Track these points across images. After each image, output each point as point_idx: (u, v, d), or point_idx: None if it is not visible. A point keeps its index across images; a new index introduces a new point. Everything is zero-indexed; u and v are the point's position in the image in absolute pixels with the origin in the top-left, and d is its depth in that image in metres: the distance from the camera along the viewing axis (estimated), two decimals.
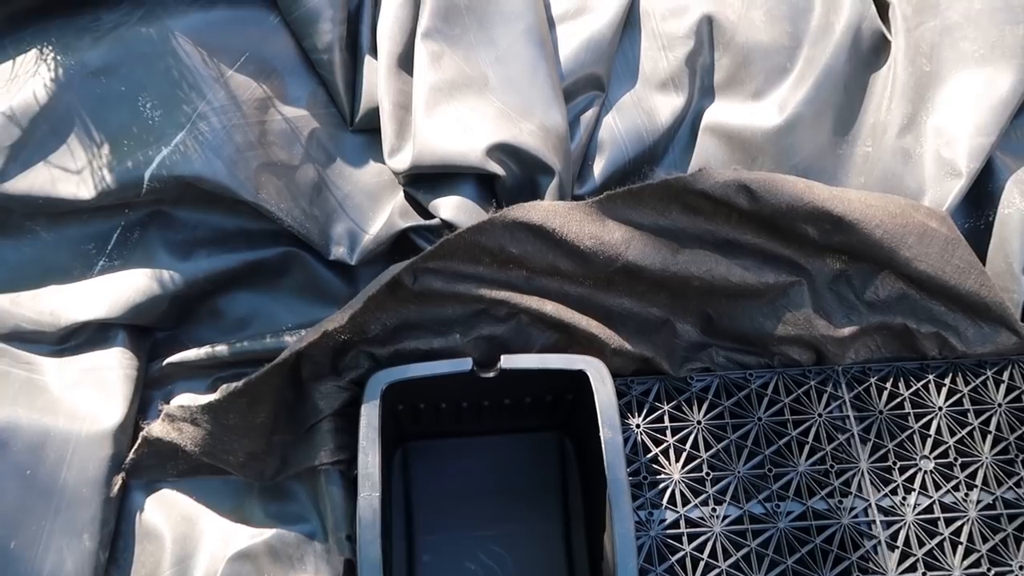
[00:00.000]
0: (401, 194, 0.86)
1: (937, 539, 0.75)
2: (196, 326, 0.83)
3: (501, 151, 0.82)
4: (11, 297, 0.79)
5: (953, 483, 0.78)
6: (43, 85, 0.80)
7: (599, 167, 0.88)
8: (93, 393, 0.76)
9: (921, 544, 0.75)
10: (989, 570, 0.74)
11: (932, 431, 0.80)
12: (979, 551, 0.75)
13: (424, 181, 0.85)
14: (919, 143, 0.89)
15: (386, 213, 0.85)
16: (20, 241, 0.81)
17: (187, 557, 0.73)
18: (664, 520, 0.76)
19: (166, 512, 0.75)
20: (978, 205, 0.89)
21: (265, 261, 0.83)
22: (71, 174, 0.78)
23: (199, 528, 0.74)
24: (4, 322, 0.78)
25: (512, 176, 0.83)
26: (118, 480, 0.74)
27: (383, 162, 0.87)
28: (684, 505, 0.77)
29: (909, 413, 0.81)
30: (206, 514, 0.75)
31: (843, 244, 0.80)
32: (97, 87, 0.80)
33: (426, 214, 0.84)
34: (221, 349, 0.79)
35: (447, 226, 0.81)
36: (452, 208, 0.81)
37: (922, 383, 0.83)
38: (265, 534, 0.74)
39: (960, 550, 0.75)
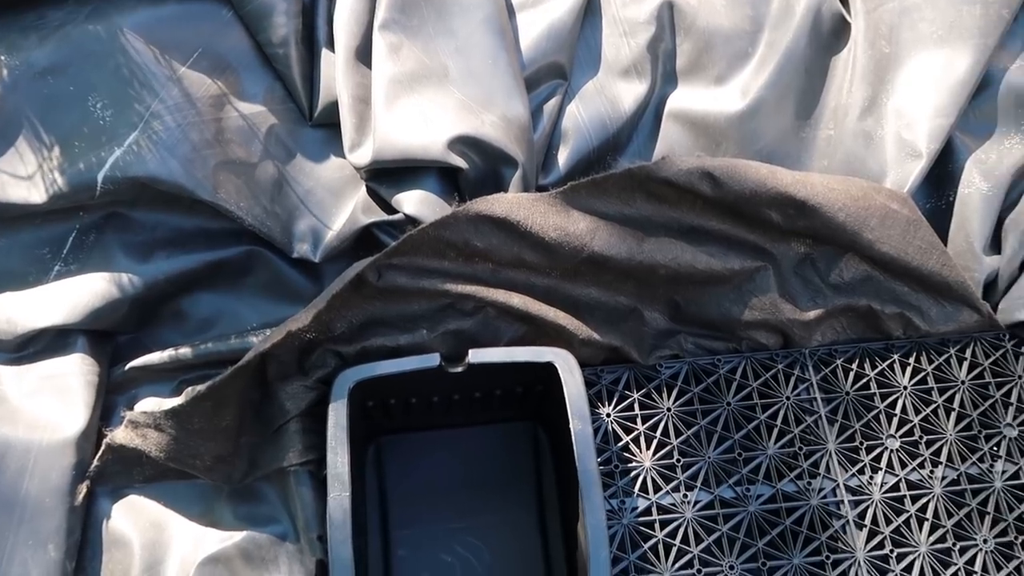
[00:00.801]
0: (363, 189, 0.85)
1: (904, 516, 0.77)
2: (159, 328, 0.82)
3: (463, 143, 0.81)
4: None
5: (918, 460, 0.79)
6: None
7: (563, 156, 0.88)
8: (53, 401, 0.74)
9: (888, 522, 0.76)
10: (954, 545, 0.76)
11: (897, 410, 0.81)
12: (945, 527, 0.76)
13: (386, 176, 0.84)
14: (880, 125, 0.90)
15: (349, 209, 0.84)
16: None
17: (157, 563, 0.72)
18: (636, 508, 0.76)
19: (134, 518, 0.74)
20: (939, 185, 0.90)
21: (227, 261, 0.82)
22: (21, 179, 0.76)
23: (168, 533, 0.73)
24: None
25: (475, 168, 0.82)
26: (82, 488, 0.73)
27: (344, 157, 0.85)
28: (655, 492, 0.77)
29: (875, 393, 0.82)
30: (175, 519, 0.74)
31: (807, 228, 0.80)
32: (45, 87, 0.78)
33: (389, 209, 0.83)
34: (185, 352, 0.78)
35: (411, 221, 0.80)
36: (415, 203, 0.80)
37: (887, 363, 0.84)
38: (236, 537, 0.73)
39: (926, 526, 0.76)
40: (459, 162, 0.81)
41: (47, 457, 0.72)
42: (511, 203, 0.76)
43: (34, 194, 0.77)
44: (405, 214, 0.80)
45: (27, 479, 0.71)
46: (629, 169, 0.78)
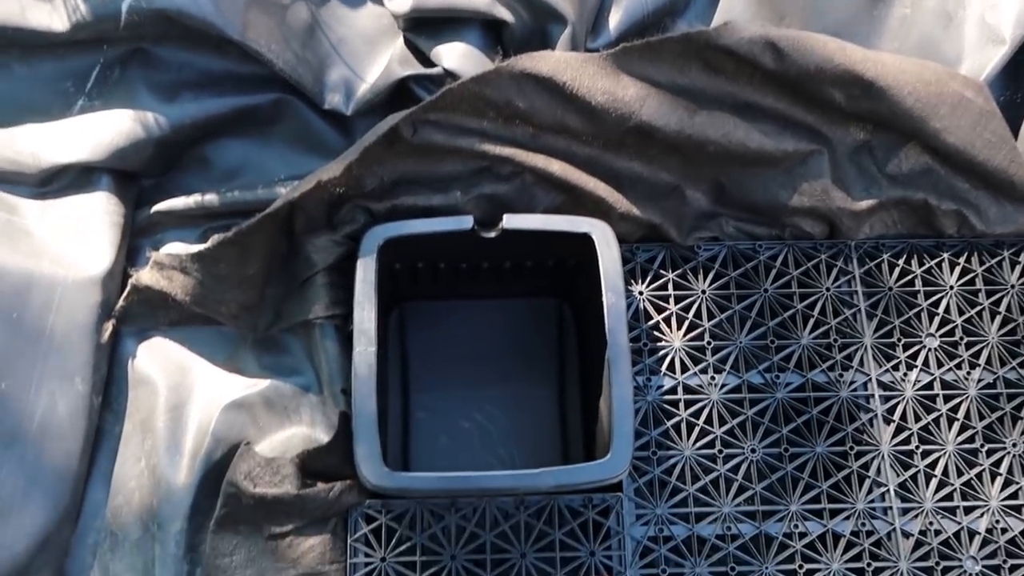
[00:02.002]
0: (400, 40, 0.81)
1: (934, 415, 0.75)
2: (184, 174, 0.80)
3: None
4: None
5: (956, 361, 0.77)
6: None
7: (615, 19, 0.82)
8: (78, 239, 0.73)
9: (918, 419, 0.75)
10: (982, 446, 0.75)
11: (940, 310, 0.79)
12: (975, 428, 0.75)
13: (426, 26, 0.79)
14: (962, 6, 0.83)
15: (384, 60, 0.79)
16: None
17: (181, 405, 0.73)
18: (662, 386, 0.75)
19: (159, 360, 0.74)
20: (1017, 77, 0.83)
21: (255, 107, 0.79)
22: (43, 3, 0.72)
23: (192, 377, 0.74)
24: None
25: (521, 23, 0.77)
26: (108, 327, 0.73)
27: (382, 4, 0.80)
28: (683, 372, 0.76)
29: (919, 291, 0.79)
30: (199, 363, 0.74)
31: (870, 112, 0.75)
32: None
33: (427, 62, 0.79)
34: (211, 198, 0.76)
35: (450, 75, 0.76)
36: (456, 56, 0.76)
37: (935, 261, 0.80)
38: (260, 385, 0.73)
39: (956, 426, 0.75)
40: (505, 15, 0.76)
41: (72, 294, 0.71)
42: (558, 62, 0.71)
43: (56, 21, 0.73)
44: (444, 68, 0.76)
45: (53, 314, 0.70)
46: (687, 34, 0.72)
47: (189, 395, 0.73)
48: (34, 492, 0.67)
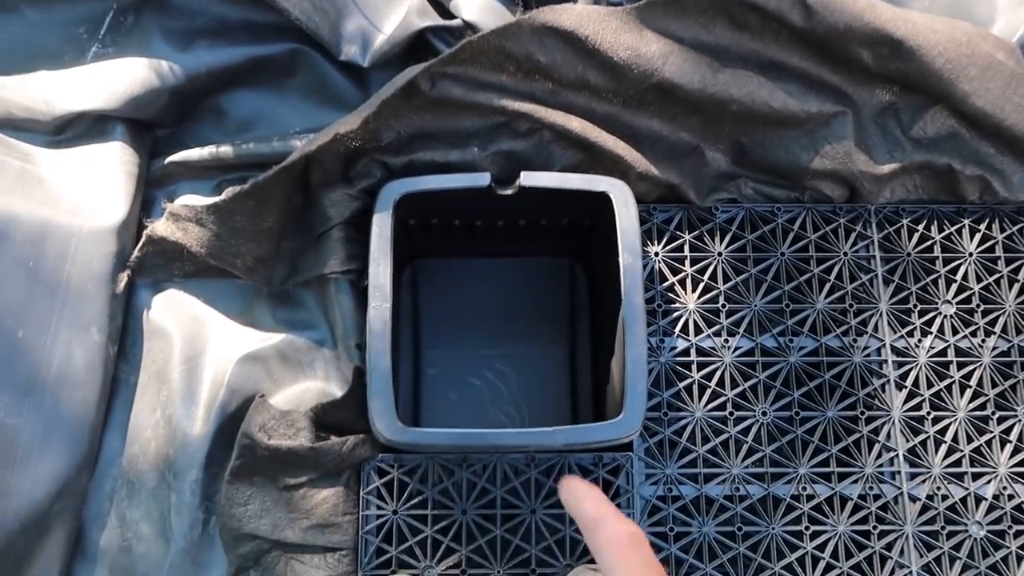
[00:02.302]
0: None
1: (947, 381, 0.75)
2: (198, 125, 0.78)
3: None
4: (0, 81, 0.74)
5: (971, 329, 0.77)
6: None
7: None
8: (93, 188, 0.73)
9: (930, 385, 0.75)
10: (993, 413, 0.75)
11: (958, 277, 0.78)
12: (987, 395, 0.75)
13: None
14: None
15: (402, 11, 0.77)
16: (5, 20, 0.74)
17: (196, 356, 0.73)
18: (675, 348, 0.75)
19: (174, 312, 0.74)
20: None
21: (271, 58, 0.77)
22: None
23: (207, 329, 0.74)
24: None
25: None
26: (123, 277, 0.73)
27: None
28: (697, 335, 0.76)
29: (938, 257, 0.79)
30: (214, 316, 0.74)
31: (898, 72, 0.73)
32: None
33: (446, 14, 0.77)
34: (226, 150, 0.75)
35: (469, 28, 0.74)
36: (476, 8, 0.74)
37: (956, 227, 0.80)
38: (274, 338, 0.74)
39: (968, 393, 0.75)
40: None
41: (88, 243, 0.71)
42: (581, 16, 0.70)
43: None
44: (464, 20, 0.74)
45: (69, 263, 0.70)
46: None
47: (204, 347, 0.73)
48: (52, 440, 0.67)
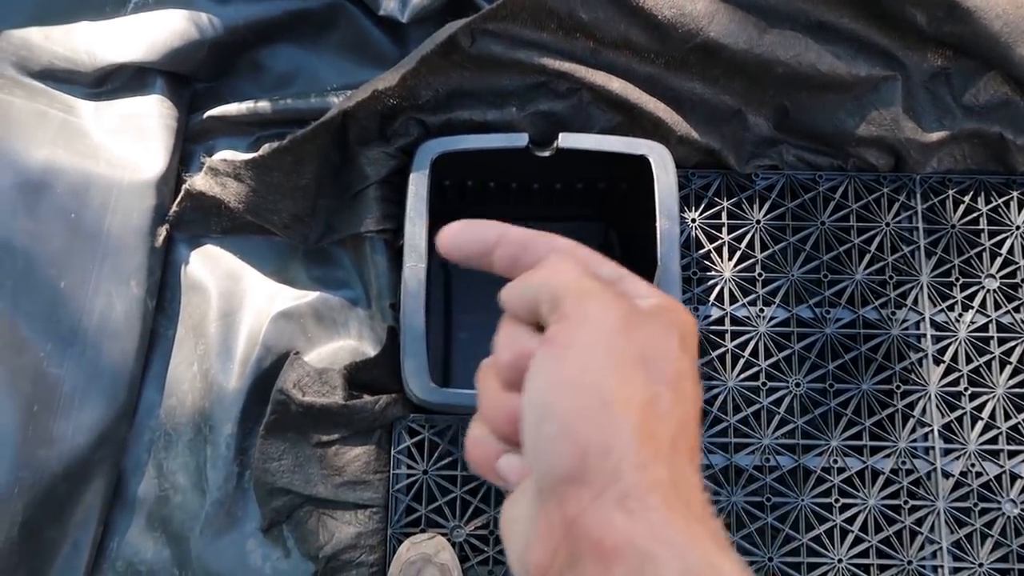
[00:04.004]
0: None
1: (987, 357, 0.74)
2: (237, 80, 0.78)
3: None
4: (43, 31, 0.74)
5: (1015, 304, 0.75)
6: None
7: None
8: (133, 141, 0.73)
9: (969, 361, 0.74)
10: None
11: (1004, 250, 0.76)
12: None
13: None
14: None
15: None
16: None
17: (232, 312, 0.74)
18: (709, 316, 0.75)
19: (211, 267, 0.75)
20: None
21: (309, 12, 0.76)
22: None
23: (244, 285, 0.74)
24: (38, 58, 0.73)
25: None
26: (162, 231, 0.73)
27: None
28: (732, 304, 0.75)
29: (983, 230, 0.77)
30: (250, 272, 0.75)
31: (953, 36, 0.71)
32: None
33: None
34: (263, 105, 0.75)
35: None
36: None
37: (1003, 199, 0.77)
38: (309, 296, 0.74)
39: (1008, 370, 0.74)
40: None
41: (128, 197, 0.72)
42: None
43: None
44: None
45: (109, 216, 0.71)
46: None
47: (241, 303, 0.74)
48: (93, 389, 0.68)
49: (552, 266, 0.23)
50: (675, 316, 0.22)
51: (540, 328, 0.23)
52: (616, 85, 0.71)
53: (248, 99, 0.75)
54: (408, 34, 0.78)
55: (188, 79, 0.77)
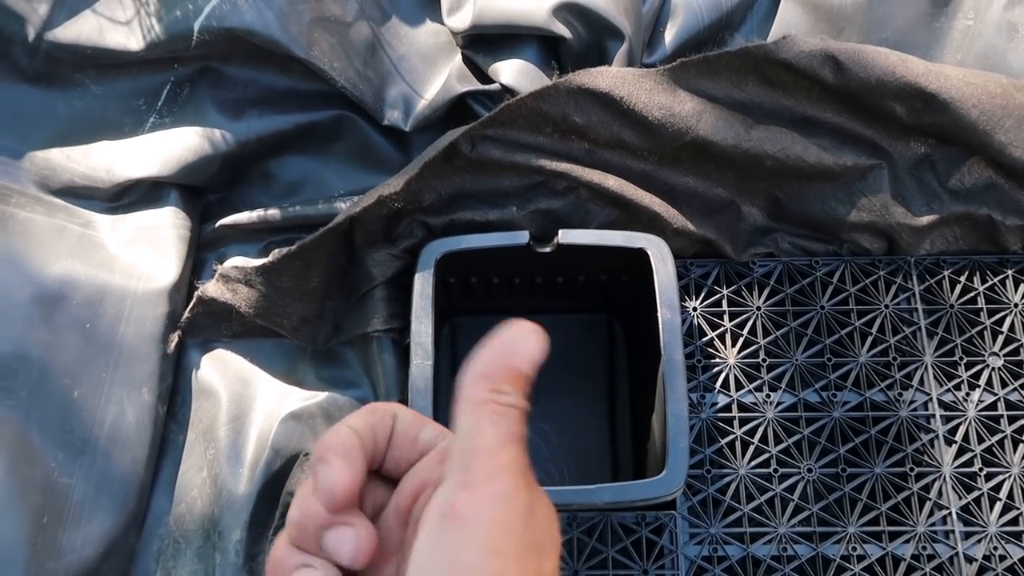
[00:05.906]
0: (459, 57, 0.82)
1: (998, 436, 0.73)
2: (248, 189, 0.82)
3: (568, 11, 0.76)
4: (65, 152, 0.78)
5: (1021, 381, 0.75)
6: None
7: (671, 34, 0.82)
8: (147, 251, 0.76)
9: (981, 440, 0.73)
10: None
11: (1005, 328, 0.77)
12: None
13: (484, 43, 0.80)
14: None
15: (443, 77, 0.81)
16: (70, 94, 0.79)
17: (242, 415, 0.74)
18: (716, 403, 0.75)
19: (221, 371, 0.76)
20: None
21: (317, 124, 0.80)
22: (119, 24, 0.75)
23: (253, 388, 0.75)
24: (59, 176, 0.77)
25: (579, 39, 0.78)
26: (174, 337, 0.75)
27: (441, 22, 0.81)
28: (738, 390, 0.75)
29: (982, 308, 0.78)
30: (260, 375, 0.76)
31: (933, 125, 0.74)
32: None
33: (485, 79, 0.80)
34: (273, 213, 0.78)
35: (507, 91, 0.76)
36: (513, 72, 0.77)
37: (999, 278, 0.79)
38: (318, 397, 0.75)
39: (1021, 448, 0.73)
40: (563, 31, 0.76)
41: (141, 305, 0.74)
42: (615, 78, 0.72)
43: (131, 41, 0.76)
44: (502, 84, 0.77)
45: (123, 324, 0.73)
46: (745, 48, 0.72)
47: (250, 406, 0.74)
48: (102, 499, 0.68)
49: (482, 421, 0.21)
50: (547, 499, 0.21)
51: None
52: (612, 182, 0.74)
53: (258, 207, 0.79)
54: (411, 141, 0.81)
55: (201, 190, 0.80)
